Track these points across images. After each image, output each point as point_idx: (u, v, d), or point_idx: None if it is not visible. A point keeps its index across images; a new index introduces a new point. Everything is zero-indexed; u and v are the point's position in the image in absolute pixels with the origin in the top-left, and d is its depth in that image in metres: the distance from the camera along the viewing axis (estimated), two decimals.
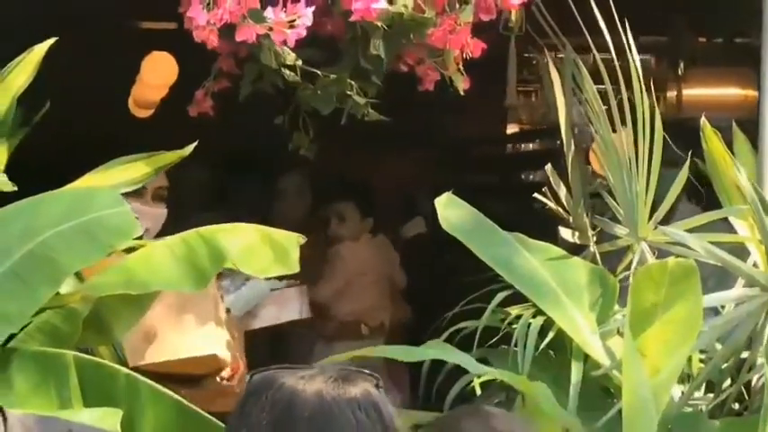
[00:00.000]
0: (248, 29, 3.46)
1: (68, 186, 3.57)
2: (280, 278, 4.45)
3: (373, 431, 1.92)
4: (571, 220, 3.98)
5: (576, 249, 3.91)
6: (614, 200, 3.85)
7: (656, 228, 3.75)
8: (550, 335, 3.62)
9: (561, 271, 3.69)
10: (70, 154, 3.95)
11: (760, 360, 3.57)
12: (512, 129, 8.27)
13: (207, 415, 3.27)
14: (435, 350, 3.57)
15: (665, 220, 3.77)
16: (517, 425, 2.50)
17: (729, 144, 3.91)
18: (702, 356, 3.71)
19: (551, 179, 4.01)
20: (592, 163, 4.07)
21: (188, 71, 3.99)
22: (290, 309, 5.23)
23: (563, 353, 3.68)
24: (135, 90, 4.16)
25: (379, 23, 3.52)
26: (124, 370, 3.33)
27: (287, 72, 3.63)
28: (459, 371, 3.53)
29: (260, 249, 3.49)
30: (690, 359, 3.63)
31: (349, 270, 6.11)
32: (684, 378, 3.67)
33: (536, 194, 4.02)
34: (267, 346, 5.71)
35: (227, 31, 3.53)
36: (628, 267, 3.77)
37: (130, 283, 3.38)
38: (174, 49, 4.00)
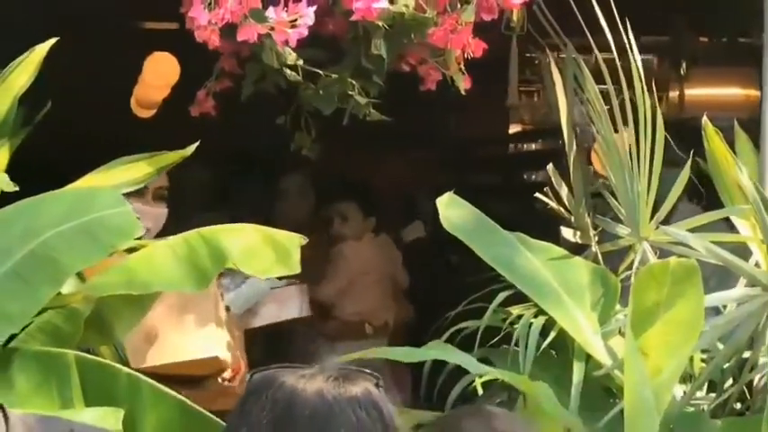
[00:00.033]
0: (250, 28, 3.46)
1: (70, 186, 3.58)
2: (280, 276, 4.45)
3: (374, 430, 1.92)
4: (573, 219, 3.98)
5: (577, 249, 3.91)
6: (616, 200, 3.85)
7: (657, 227, 3.74)
8: (552, 335, 3.62)
9: (563, 271, 3.69)
10: (72, 154, 3.95)
11: (762, 360, 3.57)
12: (514, 129, 8.27)
13: (208, 414, 3.27)
14: (436, 351, 3.56)
15: (666, 220, 3.77)
16: (518, 425, 2.50)
17: (731, 143, 3.91)
18: (704, 356, 3.71)
19: (553, 179, 4.01)
20: (594, 163, 4.06)
21: (190, 71, 3.98)
22: (290, 307, 5.23)
23: (565, 353, 3.68)
24: (137, 90, 4.15)
25: (381, 23, 3.52)
26: (125, 369, 3.34)
27: (288, 72, 3.62)
28: (461, 371, 3.53)
29: (261, 250, 3.49)
30: (692, 359, 3.63)
31: (352, 269, 6.11)
32: (686, 378, 3.67)
33: (538, 194, 4.02)
34: (270, 346, 5.71)
35: (229, 30, 3.52)
36: (629, 267, 3.76)
37: (132, 284, 3.38)
38: (175, 49, 4.00)
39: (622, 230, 3.83)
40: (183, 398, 3.31)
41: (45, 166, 4.11)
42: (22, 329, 3.25)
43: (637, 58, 3.68)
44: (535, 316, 3.66)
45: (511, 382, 3.50)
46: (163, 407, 3.26)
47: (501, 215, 3.80)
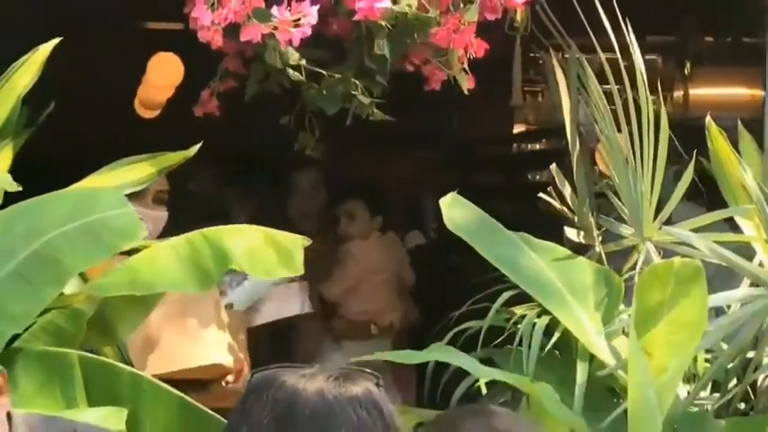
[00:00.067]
0: (253, 28, 3.46)
1: (73, 187, 3.58)
2: None
3: (374, 429, 1.92)
4: (576, 219, 3.98)
5: (581, 249, 3.91)
6: (619, 200, 3.85)
7: (660, 228, 3.74)
8: (556, 335, 3.62)
9: (566, 271, 3.69)
10: (75, 154, 3.96)
11: (766, 360, 3.57)
12: (517, 129, 8.26)
13: (211, 412, 3.27)
14: (438, 353, 3.56)
15: (669, 220, 3.77)
16: (520, 424, 2.49)
17: (736, 143, 3.90)
18: (708, 356, 3.71)
19: (556, 179, 4.01)
20: (598, 163, 4.06)
21: (194, 72, 3.99)
22: (291, 304, 5.24)
23: (568, 353, 3.68)
24: (141, 91, 4.16)
25: (383, 23, 3.52)
26: (128, 369, 3.34)
27: (291, 72, 3.62)
28: (465, 370, 3.53)
29: (264, 251, 3.49)
30: (695, 359, 3.63)
31: (359, 269, 6.09)
32: (690, 378, 3.66)
33: (541, 194, 4.02)
34: (274, 345, 5.71)
35: (233, 31, 3.53)
36: (633, 267, 3.76)
37: (135, 284, 3.38)
38: (179, 49, 4.00)
39: (626, 230, 3.83)
40: (186, 397, 3.31)
41: (48, 167, 4.11)
42: (26, 330, 3.25)
43: (638, 58, 3.68)
44: (539, 316, 3.66)
45: (513, 384, 3.50)
46: (166, 406, 3.26)
47: (505, 215, 3.80)
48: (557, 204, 3.99)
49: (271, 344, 5.66)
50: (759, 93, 6.66)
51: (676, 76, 7.29)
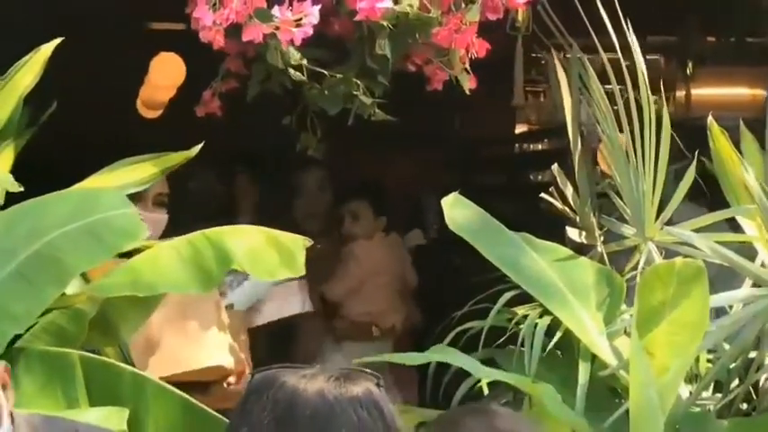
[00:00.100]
0: (255, 28, 3.46)
1: (75, 187, 3.58)
2: None
3: (375, 429, 1.92)
4: (578, 219, 3.98)
5: (583, 249, 3.91)
6: (621, 200, 3.84)
7: (662, 228, 3.74)
8: (558, 335, 3.62)
9: (568, 271, 3.69)
10: (77, 154, 3.96)
11: None
12: (519, 129, 8.25)
13: (213, 412, 3.27)
14: (439, 355, 3.56)
15: (669, 221, 3.77)
16: (522, 424, 2.49)
17: (738, 143, 3.90)
18: (710, 356, 3.71)
19: (558, 179, 4.01)
20: (600, 163, 4.06)
21: (196, 72, 3.99)
22: (292, 303, 5.24)
23: (570, 353, 3.68)
24: (143, 91, 4.16)
25: (385, 23, 3.52)
26: (130, 369, 3.34)
27: (293, 72, 3.62)
28: (467, 370, 3.52)
29: (266, 252, 3.49)
30: (697, 359, 3.63)
31: (363, 270, 6.08)
32: (692, 378, 3.66)
33: (543, 194, 4.02)
34: (275, 346, 5.71)
35: (235, 31, 3.53)
36: (635, 267, 3.76)
37: (137, 285, 3.38)
38: (181, 49, 4.00)
39: (628, 231, 3.83)
40: (188, 397, 3.31)
41: (50, 167, 4.12)
42: (27, 330, 3.25)
43: (640, 58, 3.68)
44: (540, 316, 3.65)
45: (515, 385, 3.50)
46: (167, 406, 3.27)
47: (506, 215, 3.80)
48: (558, 204, 3.99)
49: (272, 345, 5.66)
50: (761, 92, 6.67)
51: (678, 75, 7.29)
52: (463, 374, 3.58)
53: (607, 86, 3.82)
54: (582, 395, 3.47)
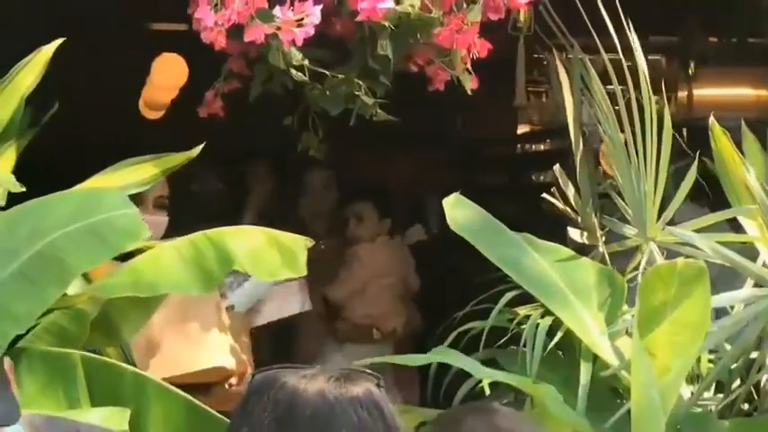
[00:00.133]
0: (257, 29, 3.46)
1: (77, 187, 3.58)
2: None
3: (375, 430, 1.93)
4: (580, 220, 3.98)
5: (584, 250, 3.91)
6: (623, 200, 3.84)
7: (664, 228, 3.74)
8: (559, 335, 3.62)
9: (570, 271, 3.69)
10: (79, 155, 3.96)
11: None
12: (521, 129, 8.26)
13: (214, 413, 3.28)
14: (440, 356, 3.56)
15: (671, 221, 3.77)
16: (523, 423, 2.49)
17: (740, 144, 3.90)
18: (712, 357, 3.71)
19: (560, 179, 4.01)
20: (601, 163, 4.06)
21: (198, 72, 3.99)
22: (291, 302, 5.24)
23: (572, 353, 3.68)
24: (145, 91, 4.16)
25: (386, 23, 3.52)
26: (131, 369, 3.34)
27: (294, 72, 3.63)
28: (468, 371, 3.53)
29: (267, 252, 3.49)
30: (699, 359, 3.63)
31: (366, 272, 6.08)
32: (693, 378, 3.66)
33: (545, 195, 4.02)
34: (277, 347, 5.72)
35: (237, 31, 3.53)
36: (636, 268, 3.76)
37: (138, 286, 3.38)
38: (183, 50, 4.00)
39: (629, 231, 3.83)
40: (190, 397, 3.32)
41: (52, 167, 4.12)
42: (29, 330, 3.25)
43: (641, 59, 3.68)
44: (542, 316, 3.65)
45: (516, 385, 3.50)
46: (169, 406, 3.27)
47: (508, 215, 3.79)
48: (560, 205, 3.99)
49: (273, 346, 5.66)
50: (763, 93, 6.67)
51: (680, 76, 7.29)
52: (464, 375, 3.57)
53: (609, 87, 3.82)
54: (583, 395, 3.47)
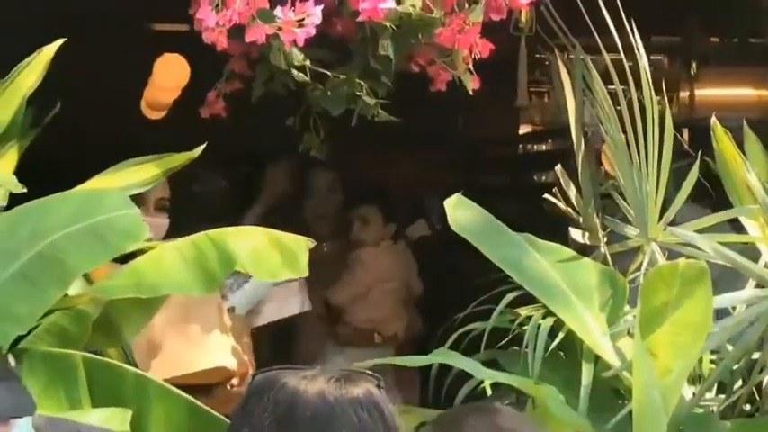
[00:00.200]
0: (258, 29, 3.46)
1: (78, 188, 3.58)
2: None
3: (375, 430, 1.93)
4: (581, 220, 3.98)
5: (586, 250, 3.90)
6: (624, 200, 3.84)
7: (665, 228, 3.74)
8: (560, 336, 3.62)
9: (571, 272, 3.68)
10: (80, 156, 3.96)
11: None
12: (523, 129, 8.26)
13: (216, 414, 3.28)
14: (441, 357, 3.55)
15: (672, 221, 3.77)
16: (524, 423, 2.49)
17: (741, 144, 3.90)
18: (713, 357, 3.70)
19: (561, 180, 4.01)
20: (603, 164, 4.06)
21: (200, 73, 3.99)
22: (291, 303, 5.24)
23: (573, 354, 3.67)
24: (147, 92, 4.16)
25: (388, 23, 3.52)
26: (132, 370, 3.34)
27: (296, 73, 3.63)
28: (469, 372, 3.53)
29: (269, 253, 3.49)
30: (701, 360, 3.63)
31: (369, 276, 6.07)
32: (695, 379, 3.66)
33: (546, 195, 4.01)
34: (278, 348, 5.71)
35: (238, 32, 3.53)
36: (638, 268, 3.76)
37: (140, 286, 3.38)
38: (185, 50, 4.00)
39: (631, 231, 3.83)
40: (191, 398, 3.32)
41: (53, 168, 4.12)
42: (30, 331, 3.25)
43: (643, 59, 3.67)
44: (543, 317, 3.65)
45: (517, 386, 3.50)
46: (170, 406, 3.27)
47: (509, 216, 3.79)
48: (561, 205, 3.99)
49: (274, 347, 5.66)
50: (765, 93, 6.67)
51: (682, 76, 7.29)
52: (466, 376, 3.57)
53: (610, 87, 3.82)
54: (585, 396, 3.47)
